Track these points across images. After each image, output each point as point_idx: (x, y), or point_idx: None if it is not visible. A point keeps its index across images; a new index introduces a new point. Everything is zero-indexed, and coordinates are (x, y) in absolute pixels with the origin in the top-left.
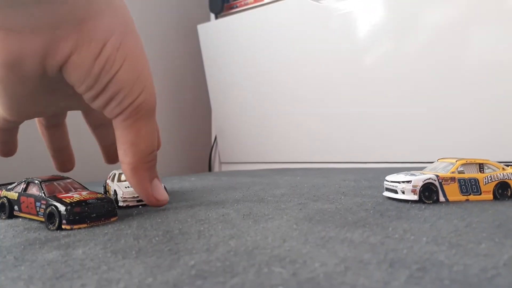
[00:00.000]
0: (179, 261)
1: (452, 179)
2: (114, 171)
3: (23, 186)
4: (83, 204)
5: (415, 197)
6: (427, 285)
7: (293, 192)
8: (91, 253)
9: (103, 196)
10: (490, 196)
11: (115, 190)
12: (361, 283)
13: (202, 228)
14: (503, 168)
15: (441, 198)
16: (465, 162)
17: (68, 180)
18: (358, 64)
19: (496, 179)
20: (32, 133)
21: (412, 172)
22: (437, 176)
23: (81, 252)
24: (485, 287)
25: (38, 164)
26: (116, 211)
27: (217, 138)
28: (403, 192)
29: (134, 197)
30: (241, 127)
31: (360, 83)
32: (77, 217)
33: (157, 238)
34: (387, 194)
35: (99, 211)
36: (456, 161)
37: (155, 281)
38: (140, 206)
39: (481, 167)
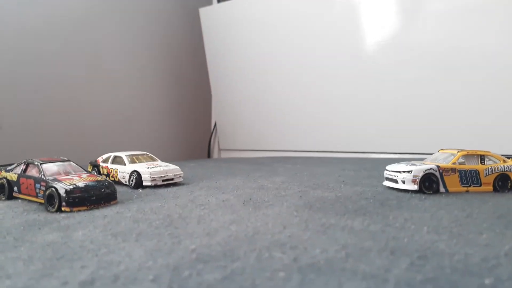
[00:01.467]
0: (179, 245)
1: (453, 170)
2: (110, 154)
3: (22, 167)
4: (83, 186)
5: (415, 187)
6: (428, 273)
7: (293, 179)
8: (91, 235)
9: (104, 179)
10: (490, 188)
11: (135, 171)
12: (362, 270)
13: (202, 213)
14: (504, 161)
15: (441, 189)
16: (466, 153)
17: (68, 163)
18: (360, 55)
19: (497, 171)
20: (34, 116)
21: (413, 162)
22: (438, 166)
23: (81, 234)
24: (486, 277)
25: (37, 146)
26: (116, 194)
27: (217, 125)
28: (404, 182)
29: (161, 176)
30: (241, 114)
31: (362, 73)
32: (77, 200)
33: (157, 222)
34: (387, 183)
35: (99, 194)
36: (457, 152)
37: (156, 264)
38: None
39: (482, 158)
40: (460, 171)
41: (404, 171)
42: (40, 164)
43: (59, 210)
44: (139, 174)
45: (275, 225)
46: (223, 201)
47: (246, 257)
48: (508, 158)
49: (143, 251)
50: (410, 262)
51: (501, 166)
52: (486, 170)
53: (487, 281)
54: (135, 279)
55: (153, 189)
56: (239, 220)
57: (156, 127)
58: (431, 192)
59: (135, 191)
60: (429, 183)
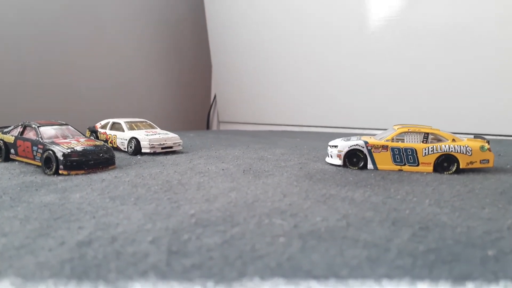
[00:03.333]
0: (179, 210)
1: (384, 147)
2: (108, 120)
3: (19, 129)
4: (81, 150)
5: (340, 162)
6: (431, 243)
7: (293, 152)
8: (89, 198)
9: (102, 144)
10: (430, 169)
11: (134, 138)
12: (363, 239)
13: (201, 180)
14: (453, 140)
15: (370, 166)
16: (407, 130)
17: (66, 126)
18: (363, 31)
19: (439, 151)
20: (32, 79)
21: (349, 137)
22: (366, 142)
23: (78, 197)
24: (489, 249)
25: (34, 109)
26: (114, 159)
27: (217, 97)
28: (331, 157)
29: (160, 144)
30: (241, 87)
31: (365, 49)
32: (74, 163)
33: (156, 187)
34: (327, 159)
35: (97, 158)
36: (397, 129)
37: (155, 227)
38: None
39: (425, 137)
40: (393, 148)
41: (332, 146)
42: (38, 127)
43: (56, 173)
44: (138, 141)
45: (275, 194)
46: (222, 169)
47: (246, 222)
48: (478, 137)
49: (141, 214)
50: (412, 233)
51: (444, 146)
52: (425, 149)
53: (490, 253)
54: (134, 240)
55: (152, 156)
56: (239, 187)
57: (154, 96)
58: (356, 168)
59: (134, 157)
60: (356, 159)
